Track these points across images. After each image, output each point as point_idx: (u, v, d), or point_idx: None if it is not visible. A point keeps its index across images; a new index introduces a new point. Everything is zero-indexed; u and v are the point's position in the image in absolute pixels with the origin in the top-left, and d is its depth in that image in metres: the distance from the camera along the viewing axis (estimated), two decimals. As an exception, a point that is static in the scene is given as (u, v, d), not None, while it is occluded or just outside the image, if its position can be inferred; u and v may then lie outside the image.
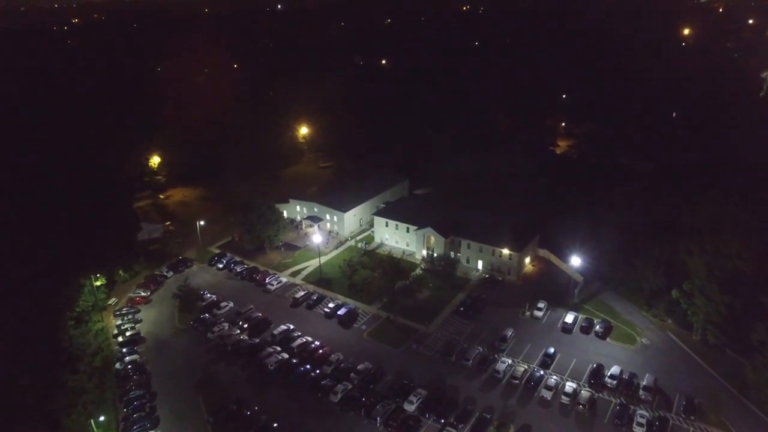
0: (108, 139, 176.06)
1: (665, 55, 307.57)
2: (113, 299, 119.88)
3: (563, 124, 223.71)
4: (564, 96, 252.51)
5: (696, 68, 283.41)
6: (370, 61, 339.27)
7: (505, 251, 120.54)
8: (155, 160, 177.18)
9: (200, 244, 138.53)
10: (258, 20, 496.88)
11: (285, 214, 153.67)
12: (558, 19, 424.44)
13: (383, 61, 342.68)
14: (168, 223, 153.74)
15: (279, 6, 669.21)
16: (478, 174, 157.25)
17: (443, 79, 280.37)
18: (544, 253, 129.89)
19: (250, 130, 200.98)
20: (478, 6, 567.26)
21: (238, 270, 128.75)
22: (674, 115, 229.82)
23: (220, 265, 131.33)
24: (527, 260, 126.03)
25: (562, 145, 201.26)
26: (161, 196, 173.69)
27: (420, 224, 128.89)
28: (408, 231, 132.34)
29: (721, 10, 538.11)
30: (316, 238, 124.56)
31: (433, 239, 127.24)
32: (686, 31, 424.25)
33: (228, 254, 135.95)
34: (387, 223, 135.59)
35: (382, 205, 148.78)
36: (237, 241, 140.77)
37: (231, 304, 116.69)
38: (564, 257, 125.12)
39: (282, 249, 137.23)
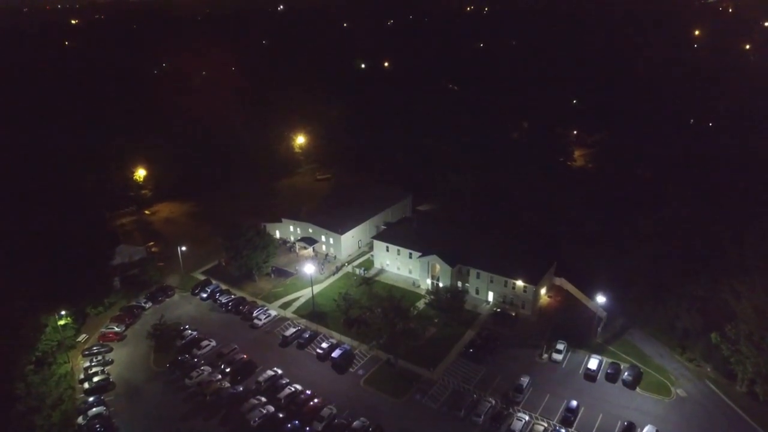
0: (89, 149, 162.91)
1: (679, 57, 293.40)
2: (83, 336, 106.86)
3: (575, 132, 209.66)
4: (574, 102, 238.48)
5: (711, 70, 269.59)
6: (372, 63, 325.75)
7: (519, 283, 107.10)
8: (141, 173, 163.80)
9: (182, 271, 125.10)
10: (258, 21, 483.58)
11: (278, 234, 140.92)
12: (565, 20, 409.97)
13: (386, 64, 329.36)
14: (151, 243, 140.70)
15: (280, 6, 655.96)
16: (487, 189, 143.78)
17: (447, 83, 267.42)
18: (561, 282, 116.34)
19: (245, 139, 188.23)
20: (482, 6, 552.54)
21: (224, 301, 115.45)
22: (691, 122, 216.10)
23: (204, 295, 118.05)
24: (543, 291, 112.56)
25: (576, 155, 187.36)
26: (147, 212, 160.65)
27: (424, 250, 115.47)
28: (411, 257, 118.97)
29: (730, 10, 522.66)
30: (309, 268, 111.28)
31: (438, 267, 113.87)
32: (696, 32, 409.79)
33: (213, 282, 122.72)
34: (387, 247, 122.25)
35: (383, 227, 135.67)
36: (224, 265, 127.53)
37: (213, 343, 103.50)
38: (584, 287, 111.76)
39: (272, 276, 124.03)
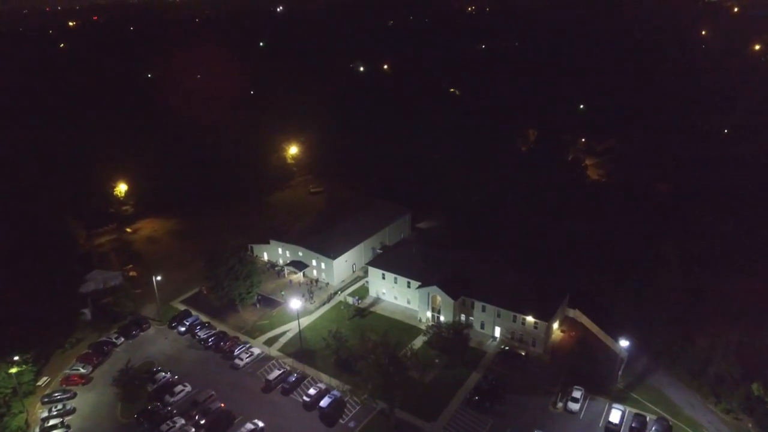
0: (66, 159, 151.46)
1: (690, 59, 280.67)
2: (44, 379, 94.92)
3: (582, 140, 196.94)
4: (581, 106, 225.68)
5: (723, 71, 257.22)
6: (372, 67, 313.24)
7: (530, 318, 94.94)
8: (122, 188, 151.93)
9: (158, 303, 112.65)
10: (256, 23, 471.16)
11: (266, 256, 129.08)
12: (568, 20, 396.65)
13: (385, 66, 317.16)
14: (129, 266, 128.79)
15: (279, 8, 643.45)
16: (494, 207, 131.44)
17: (449, 88, 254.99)
18: (575, 314, 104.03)
19: (236, 149, 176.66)
20: (484, 6, 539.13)
21: (203, 336, 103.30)
22: (705, 128, 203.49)
23: (182, 329, 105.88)
24: (555, 325, 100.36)
25: (588, 163, 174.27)
26: (128, 230, 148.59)
27: (423, 280, 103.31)
28: (409, 286, 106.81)
29: (735, 9, 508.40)
30: (294, 304, 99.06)
31: (439, 299, 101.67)
32: (703, 32, 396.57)
33: (193, 313, 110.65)
34: (384, 275, 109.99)
35: (379, 251, 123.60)
36: (205, 294, 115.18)
37: (188, 388, 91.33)
38: (601, 321, 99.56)
39: (258, 305, 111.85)
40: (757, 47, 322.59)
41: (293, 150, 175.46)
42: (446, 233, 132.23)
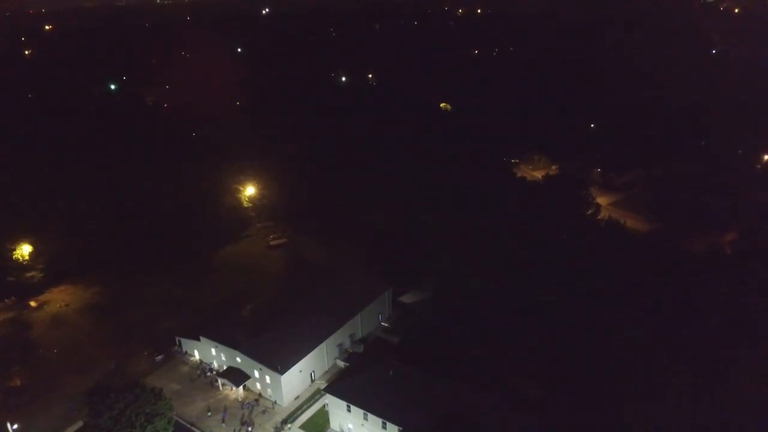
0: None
1: (701, 67, 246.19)
2: None
3: (598, 170, 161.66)
4: (592, 125, 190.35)
5: (742, 81, 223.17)
6: (355, 76, 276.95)
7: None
8: (25, 250, 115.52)
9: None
10: (237, 27, 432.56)
11: (197, 354, 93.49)
12: (569, 23, 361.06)
13: (369, 75, 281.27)
14: (14, 368, 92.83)
15: (266, 9, 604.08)
16: (499, 282, 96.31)
17: (439, 102, 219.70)
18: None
19: (178, 187, 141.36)
20: (475, 8, 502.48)
21: None
22: (739, 152, 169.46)
23: (55, 495, 70.50)
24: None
25: (602, 202, 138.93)
26: (32, 304, 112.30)
27: (404, 422, 68.03)
28: (384, 427, 71.48)
29: (736, 10, 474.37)
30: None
31: (428, 457, 66.52)
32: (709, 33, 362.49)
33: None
34: (349, 407, 74.46)
35: (345, 363, 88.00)
36: (101, 426, 79.39)
37: None
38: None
39: (172, 444, 76.39)
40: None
41: (250, 191, 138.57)
42: (437, 306, 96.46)
